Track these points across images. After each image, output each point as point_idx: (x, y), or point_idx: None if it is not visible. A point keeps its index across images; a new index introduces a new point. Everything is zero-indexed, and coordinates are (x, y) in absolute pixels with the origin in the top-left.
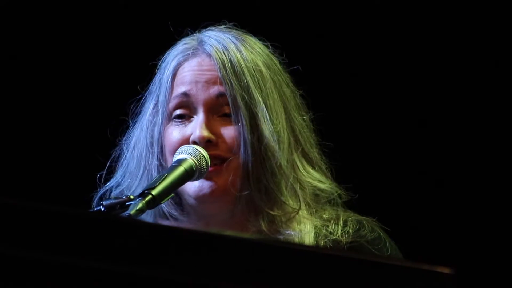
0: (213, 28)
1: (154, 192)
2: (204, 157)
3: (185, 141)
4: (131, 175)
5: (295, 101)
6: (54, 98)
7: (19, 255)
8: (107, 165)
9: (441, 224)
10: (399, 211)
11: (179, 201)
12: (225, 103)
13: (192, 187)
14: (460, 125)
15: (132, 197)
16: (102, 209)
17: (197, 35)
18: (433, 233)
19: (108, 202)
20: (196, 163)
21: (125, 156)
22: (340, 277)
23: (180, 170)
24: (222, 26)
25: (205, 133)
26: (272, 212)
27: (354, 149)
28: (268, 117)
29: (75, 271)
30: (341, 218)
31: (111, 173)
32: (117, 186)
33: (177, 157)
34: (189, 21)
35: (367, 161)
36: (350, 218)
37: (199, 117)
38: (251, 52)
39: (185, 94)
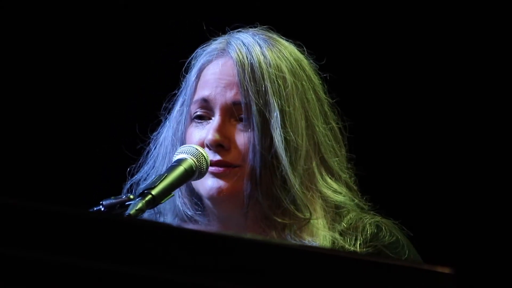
0: (245, 30)
1: (153, 192)
2: (204, 157)
3: (202, 144)
4: (156, 170)
5: (320, 109)
6: (54, 98)
7: (19, 255)
8: (140, 160)
9: (441, 224)
10: (399, 211)
11: (201, 203)
12: (241, 108)
13: (203, 186)
14: (468, 125)
15: (132, 197)
16: (102, 209)
17: (227, 37)
18: (433, 233)
19: (108, 202)
20: (196, 163)
21: (153, 151)
22: (340, 277)
23: (180, 170)
24: (256, 28)
25: (217, 137)
26: (281, 220)
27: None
28: (282, 124)
29: (75, 271)
30: (360, 225)
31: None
32: (144, 180)
33: (177, 157)
34: (224, 21)
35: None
36: (369, 222)
37: (214, 121)
38: (277, 57)
39: (204, 100)
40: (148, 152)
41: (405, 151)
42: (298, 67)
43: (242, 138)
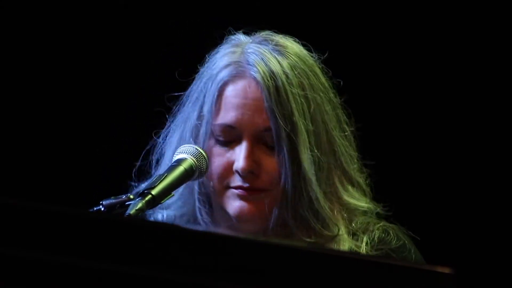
0: (255, 36)
1: (153, 192)
2: (204, 157)
3: (229, 167)
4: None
5: (336, 118)
6: (54, 98)
7: (19, 255)
8: (136, 165)
9: (441, 224)
10: (398, 211)
11: (212, 214)
12: (270, 133)
13: (230, 205)
14: (468, 125)
15: (132, 197)
16: (102, 209)
17: (241, 46)
18: (433, 233)
19: (108, 202)
20: (196, 162)
21: (164, 160)
22: (340, 277)
23: (179, 170)
24: (264, 34)
25: (249, 166)
26: (308, 240)
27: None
28: (308, 146)
29: (75, 271)
30: (369, 228)
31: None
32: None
33: (177, 157)
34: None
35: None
36: (377, 226)
37: (243, 146)
38: (298, 74)
39: (231, 127)
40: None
41: (403, 150)
42: (314, 78)
43: (271, 163)
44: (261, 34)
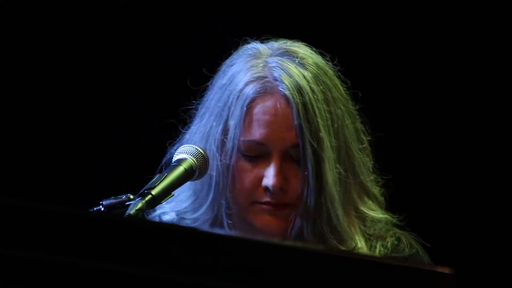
0: (274, 47)
1: (153, 192)
2: (204, 157)
3: (257, 182)
4: (198, 197)
5: (355, 130)
6: (54, 98)
7: (19, 255)
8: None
9: (441, 224)
10: (398, 211)
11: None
12: (298, 150)
13: (257, 219)
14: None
15: (132, 197)
16: (102, 209)
17: (261, 58)
18: (433, 233)
19: (108, 202)
20: (196, 163)
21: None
22: (340, 277)
23: (179, 170)
24: (282, 44)
25: (279, 183)
26: None
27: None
28: (332, 162)
29: (75, 271)
30: (382, 235)
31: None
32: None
33: (177, 157)
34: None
35: None
36: (390, 233)
37: (273, 163)
38: (322, 88)
39: (260, 143)
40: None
41: (403, 150)
42: (335, 90)
43: (296, 178)
44: (278, 44)
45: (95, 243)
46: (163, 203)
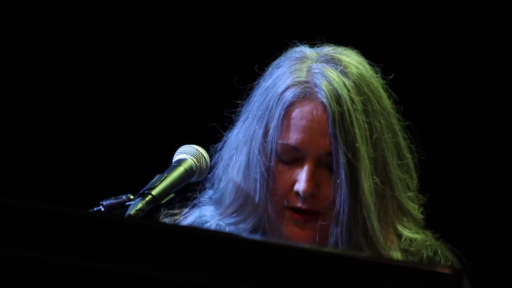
0: (320, 53)
1: (154, 192)
2: (204, 157)
3: (290, 186)
4: (244, 202)
5: (395, 145)
6: (54, 98)
7: (19, 255)
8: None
9: (441, 224)
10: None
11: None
12: (332, 157)
13: (286, 229)
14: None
15: (132, 197)
16: (102, 209)
17: (306, 63)
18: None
19: (108, 202)
20: (196, 163)
21: (231, 180)
22: (340, 277)
23: (180, 170)
24: (330, 51)
25: (310, 188)
26: None
27: None
28: (368, 172)
29: (75, 271)
30: (418, 248)
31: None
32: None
33: (177, 157)
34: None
35: None
36: (426, 245)
37: (305, 168)
38: (363, 99)
39: (296, 149)
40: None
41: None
42: (377, 103)
43: (330, 187)
44: (327, 50)
45: (95, 243)
46: (203, 208)
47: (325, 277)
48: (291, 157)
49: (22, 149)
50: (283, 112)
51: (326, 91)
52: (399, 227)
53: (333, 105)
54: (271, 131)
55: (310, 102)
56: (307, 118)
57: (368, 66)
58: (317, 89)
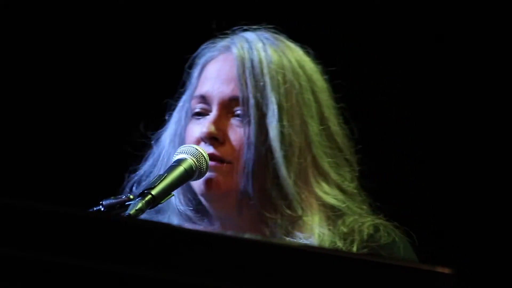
0: (251, 28)
1: (153, 192)
2: (204, 157)
3: (200, 138)
4: (157, 168)
5: (316, 110)
6: (54, 98)
7: (19, 255)
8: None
9: (441, 224)
10: (398, 211)
11: (199, 205)
12: (238, 103)
13: (197, 184)
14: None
15: (132, 197)
16: (102, 209)
17: (232, 35)
18: (433, 233)
19: (108, 202)
20: (196, 163)
21: (153, 149)
22: (340, 277)
23: (179, 170)
24: (263, 29)
25: (211, 130)
26: (272, 217)
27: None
28: (278, 118)
29: (75, 271)
30: (359, 228)
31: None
32: (145, 178)
33: (177, 157)
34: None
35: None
36: (367, 224)
37: (211, 115)
38: (279, 55)
39: (203, 96)
40: (149, 151)
41: (404, 150)
42: (298, 67)
43: (237, 132)
44: (262, 29)
45: (95, 243)
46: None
47: (324, 277)
48: (201, 109)
49: (22, 149)
50: (197, 72)
51: (238, 43)
52: (317, 190)
53: (241, 52)
54: (188, 93)
55: (222, 56)
56: (215, 68)
57: (310, 59)
58: (231, 45)
